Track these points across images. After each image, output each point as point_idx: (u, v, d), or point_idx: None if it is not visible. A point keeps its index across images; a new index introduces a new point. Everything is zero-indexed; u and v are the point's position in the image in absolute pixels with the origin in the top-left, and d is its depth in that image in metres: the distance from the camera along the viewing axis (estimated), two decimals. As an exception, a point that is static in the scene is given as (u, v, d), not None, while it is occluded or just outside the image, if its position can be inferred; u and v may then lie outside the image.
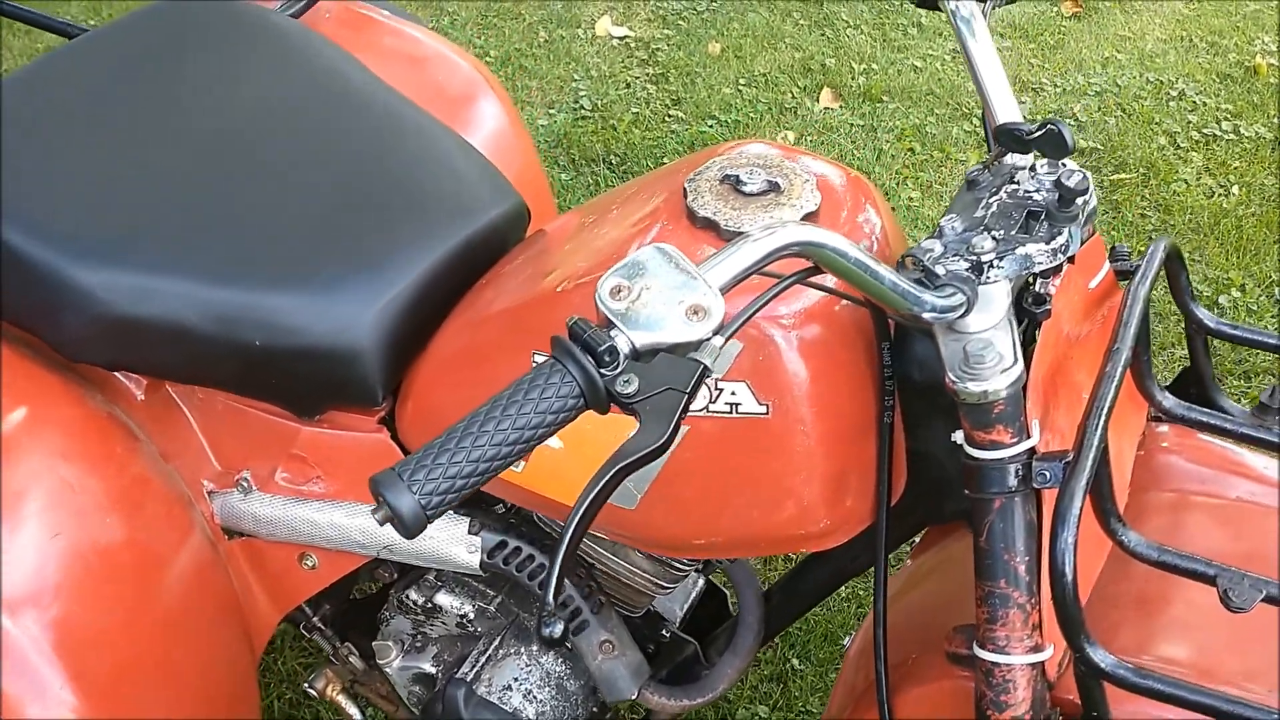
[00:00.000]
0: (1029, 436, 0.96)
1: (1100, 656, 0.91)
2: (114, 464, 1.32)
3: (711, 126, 3.21)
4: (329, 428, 1.34)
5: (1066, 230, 0.96)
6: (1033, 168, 1.02)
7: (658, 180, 1.21)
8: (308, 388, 1.30)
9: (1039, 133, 1.00)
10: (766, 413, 1.05)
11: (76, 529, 1.26)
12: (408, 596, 1.45)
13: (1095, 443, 0.93)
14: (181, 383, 1.37)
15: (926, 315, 0.93)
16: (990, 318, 0.96)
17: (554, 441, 1.16)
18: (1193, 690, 0.91)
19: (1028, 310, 1.02)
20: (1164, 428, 1.26)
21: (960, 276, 0.94)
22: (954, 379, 0.95)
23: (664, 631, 1.47)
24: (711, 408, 1.06)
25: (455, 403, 1.25)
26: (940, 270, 0.94)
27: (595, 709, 1.43)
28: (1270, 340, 1.21)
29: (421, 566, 1.46)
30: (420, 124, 1.47)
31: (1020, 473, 0.96)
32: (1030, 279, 1.03)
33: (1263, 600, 0.94)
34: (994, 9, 1.26)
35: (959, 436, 0.98)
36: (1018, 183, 1.01)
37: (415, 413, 1.29)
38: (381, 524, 0.77)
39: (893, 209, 2.88)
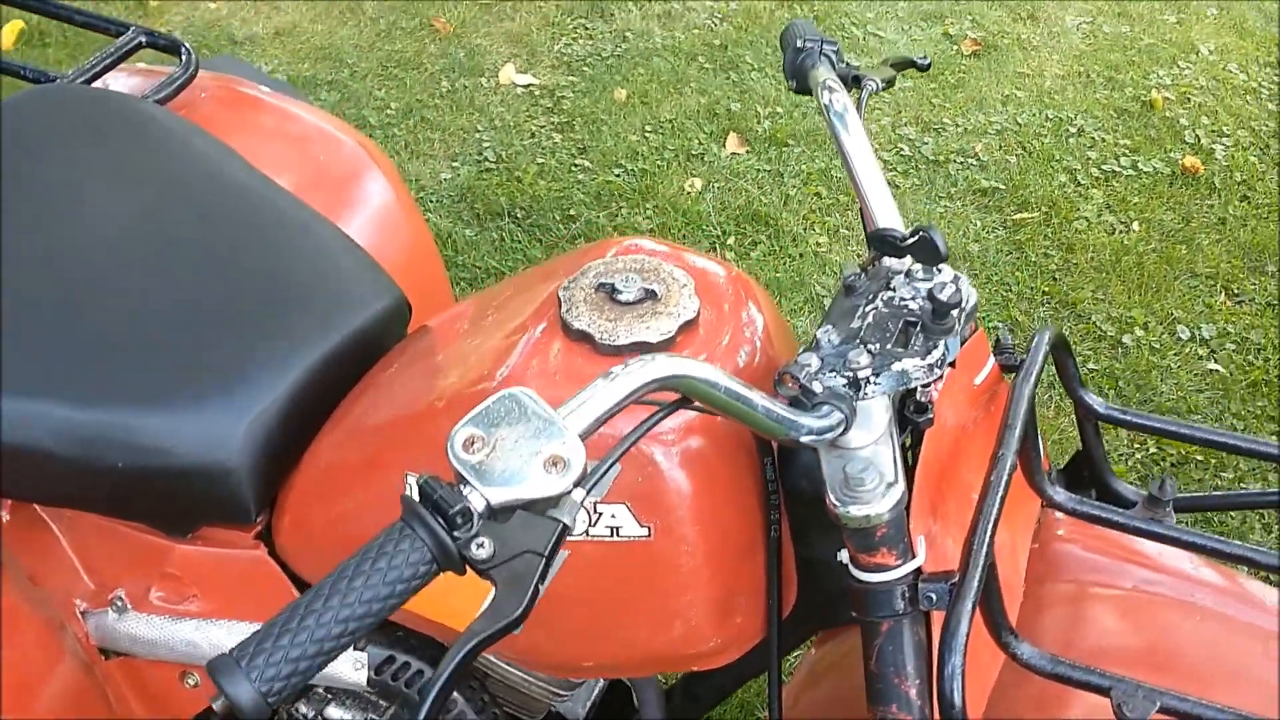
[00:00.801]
0: (914, 556, 0.93)
1: (993, 786, 0.89)
2: (-25, 594, 1.25)
3: (619, 175, 3.18)
4: (204, 545, 1.28)
5: (943, 343, 0.94)
6: (909, 272, 1.00)
7: (534, 283, 1.17)
8: (178, 508, 1.24)
9: (912, 239, 0.97)
10: (649, 535, 1.02)
11: (-67, 667, 1.19)
12: (297, 710, 1.39)
13: (981, 562, 0.91)
14: (46, 505, 1.30)
15: (804, 439, 0.90)
16: (870, 434, 0.93)
17: (434, 564, 1.12)
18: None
19: (910, 419, 0.99)
20: (1060, 514, 1.24)
21: (838, 394, 0.91)
22: (835, 502, 0.92)
23: (566, 733, 1.43)
24: (591, 532, 1.02)
25: (332, 518, 1.20)
26: (817, 387, 0.91)
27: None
28: (1156, 425, 1.20)
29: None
30: (294, 217, 1.42)
31: (907, 594, 0.93)
32: (914, 405, 1.01)
33: (1158, 711, 0.93)
34: (869, 97, 1.25)
35: (844, 556, 0.95)
36: (894, 289, 0.99)
37: (292, 527, 1.24)
38: (223, 716, 0.72)
39: (800, 255, 2.88)
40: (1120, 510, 1.14)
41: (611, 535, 1.02)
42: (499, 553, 0.74)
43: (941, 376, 1.01)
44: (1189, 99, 3.50)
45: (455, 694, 1.27)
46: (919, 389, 1.00)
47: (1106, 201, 3.13)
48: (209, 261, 1.33)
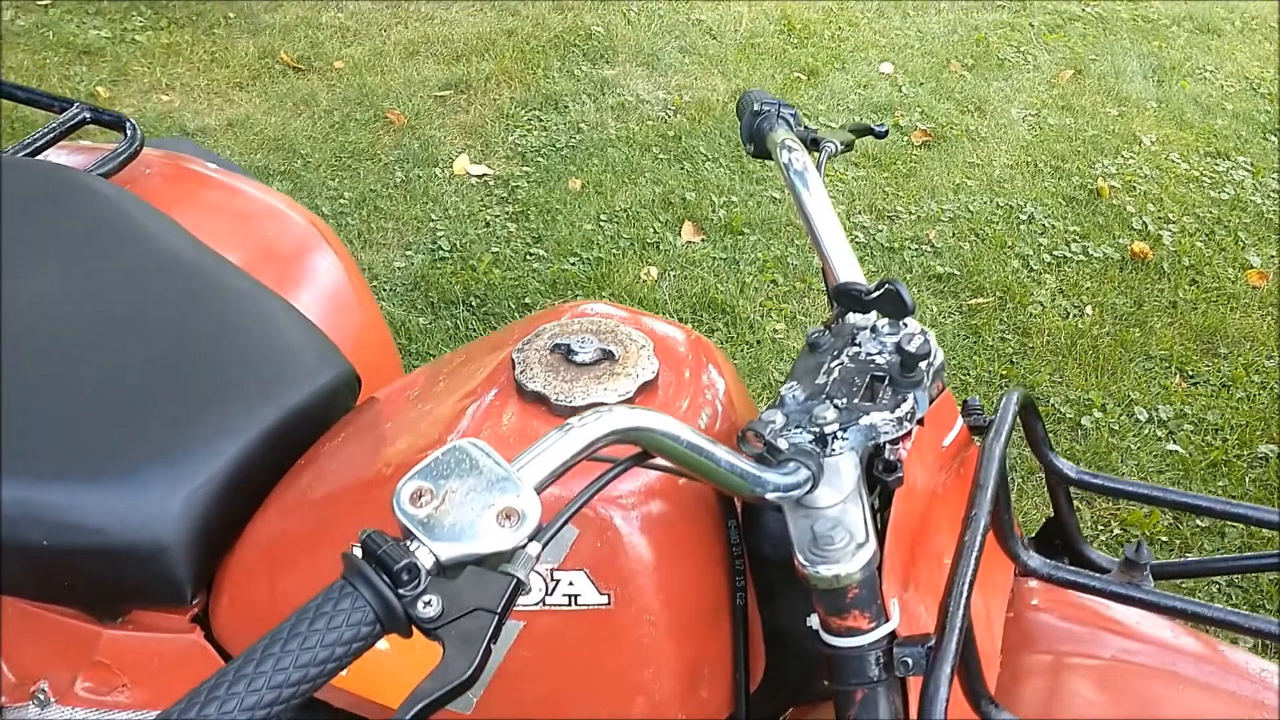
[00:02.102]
0: (888, 619, 0.89)
1: None
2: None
3: (574, 264, 3.16)
4: (135, 629, 1.20)
5: (912, 396, 0.90)
6: (874, 328, 0.97)
7: (487, 348, 1.13)
8: (107, 590, 1.16)
9: (878, 293, 0.95)
10: (608, 603, 0.96)
11: None
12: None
13: (958, 624, 0.86)
14: (-37, 589, 1.23)
15: (770, 495, 0.86)
16: (838, 492, 0.89)
17: (381, 642, 1.05)
18: None
19: (879, 478, 0.96)
20: (1033, 583, 1.20)
21: (804, 450, 0.87)
22: (804, 562, 0.88)
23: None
24: (549, 601, 0.96)
25: (274, 596, 1.13)
26: (783, 444, 0.87)
27: None
28: (1129, 488, 1.17)
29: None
30: (239, 289, 1.37)
31: (881, 660, 0.88)
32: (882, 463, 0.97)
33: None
34: (829, 159, 1.23)
35: (814, 621, 0.90)
36: (859, 344, 0.96)
37: (231, 608, 1.17)
38: None
39: (758, 342, 2.86)
40: (1096, 575, 1.10)
41: (569, 604, 0.96)
42: (448, 611, 0.69)
43: (911, 433, 0.98)
44: (1134, 187, 3.56)
45: None
46: (887, 447, 0.96)
47: (1059, 286, 3.15)
48: (146, 333, 1.27)
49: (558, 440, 0.76)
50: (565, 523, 0.79)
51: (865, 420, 0.88)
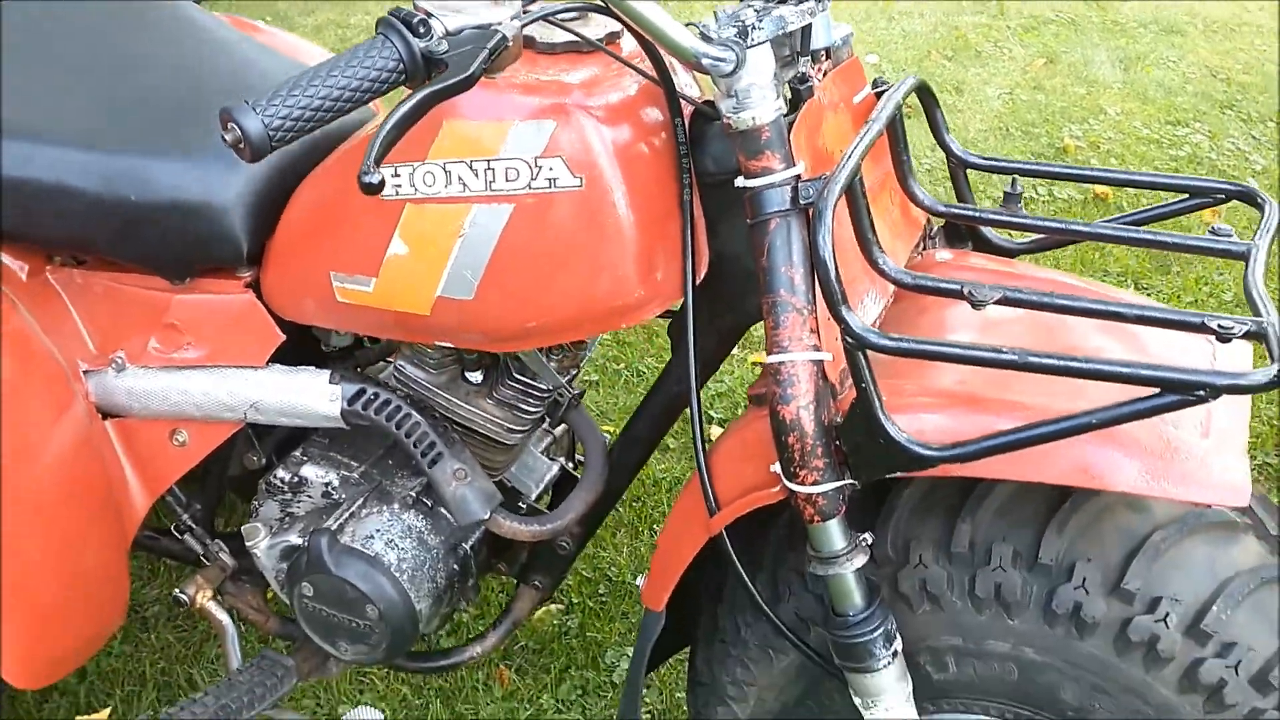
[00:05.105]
0: (795, 165, 1.14)
1: (856, 322, 1.06)
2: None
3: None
4: (199, 294, 1.46)
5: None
6: None
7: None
8: (180, 246, 1.42)
9: (793, -55, 1.22)
10: (580, 185, 1.22)
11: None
12: (275, 477, 1.54)
13: (853, 159, 1.11)
14: (64, 249, 1.50)
15: (704, 61, 1.12)
16: (759, 79, 1.15)
17: (400, 247, 1.31)
18: (938, 344, 1.07)
19: (795, 90, 1.22)
20: (943, 253, 1.45)
21: (730, 40, 1.14)
22: (728, 116, 1.14)
23: (520, 505, 1.58)
24: (533, 184, 1.22)
25: (315, 260, 1.38)
26: (712, 35, 1.14)
27: (456, 567, 1.52)
28: (1018, 165, 1.43)
29: (290, 449, 1.56)
30: (286, 65, 1.66)
31: (790, 195, 1.13)
32: (798, 75, 1.23)
33: (997, 301, 1.11)
34: None
35: (740, 180, 1.16)
36: None
37: (278, 273, 1.42)
38: (231, 144, 0.92)
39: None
40: (979, 209, 1.36)
41: (549, 186, 1.22)
42: (453, 48, 0.96)
43: (821, 67, 1.25)
44: (1099, 146, 3.85)
45: (429, 431, 1.43)
46: (800, 61, 1.23)
47: (1025, 221, 3.41)
48: (220, 79, 1.57)
49: None
50: (541, 17, 1.06)
51: (776, 12, 1.15)
